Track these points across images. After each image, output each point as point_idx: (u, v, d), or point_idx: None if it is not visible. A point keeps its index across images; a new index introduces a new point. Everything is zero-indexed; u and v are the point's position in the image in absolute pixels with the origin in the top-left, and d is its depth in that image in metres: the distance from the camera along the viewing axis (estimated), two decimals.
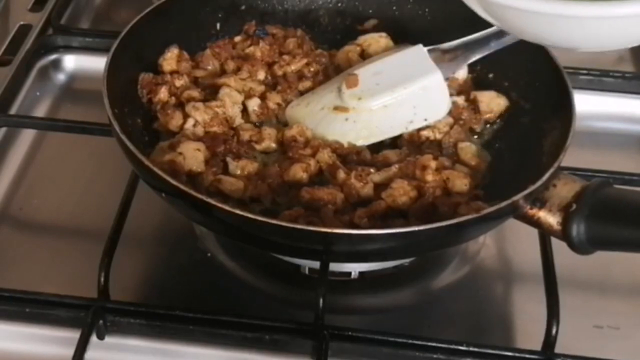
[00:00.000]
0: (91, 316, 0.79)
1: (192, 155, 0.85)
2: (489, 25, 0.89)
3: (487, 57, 0.91)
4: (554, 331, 0.77)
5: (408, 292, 0.88)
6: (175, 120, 0.90)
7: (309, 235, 0.75)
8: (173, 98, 0.93)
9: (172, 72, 0.94)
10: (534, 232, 0.84)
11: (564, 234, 0.77)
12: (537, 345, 0.79)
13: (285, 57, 0.99)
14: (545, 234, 0.82)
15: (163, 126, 0.90)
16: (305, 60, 0.98)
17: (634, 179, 0.93)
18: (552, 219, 0.78)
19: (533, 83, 0.91)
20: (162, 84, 0.93)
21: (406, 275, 0.88)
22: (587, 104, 1.06)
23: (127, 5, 1.26)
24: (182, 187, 0.76)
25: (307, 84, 0.96)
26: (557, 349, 0.78)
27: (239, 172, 0.85)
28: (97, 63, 0.99)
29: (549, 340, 0.77)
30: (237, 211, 0.74)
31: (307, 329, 0.79)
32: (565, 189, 0.78)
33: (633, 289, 0.89)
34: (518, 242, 0.91)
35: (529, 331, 0.82)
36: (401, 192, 0.81)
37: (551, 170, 0.77)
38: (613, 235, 0.76)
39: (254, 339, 0.80)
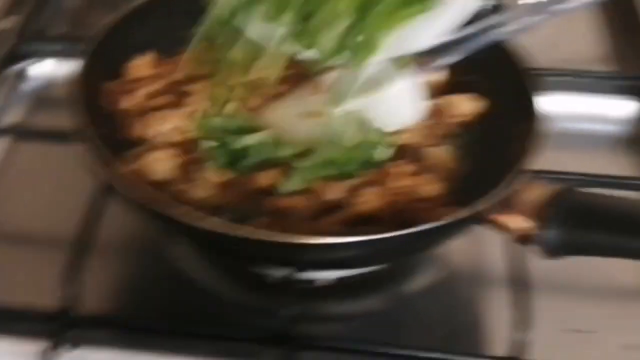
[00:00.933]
0: (58, 328, 0.78)
1: (159, 164, 0.84)
2: (462, 28, 0.89)
3: (459, 61, 0.90)
4: (523, 336, 0.76)
5: (379, 297, 0.88)
6: (143, 128, 0.89)
7: (275, 245, 0.74)
8: (141, 105, 0.92)
9: (141, 78, 0.94)
10: (504, 236, 0.83)
11: (533, 240, 0.76)
12: (508, 350, 0.78)
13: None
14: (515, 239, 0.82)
15: (130, 134, 0.89)
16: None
17: (607, 181, 0.93)
18: (521, 225, 0.77)
19: (504, 86, 0.90)
20: (131, 90, 0.92)
21: (377, 280, 0.88)
22: (560, 105, 1.06)
23: (103, 10, 1.25)
24: (149, 197, 0.75)
25: (283, 87, 0.95)
26: (529, 354, 0.77)
27: (206, 180, 0.84)
28: (66, 70, 0.98)
29: (519, 347, 0.76)
30: (202, 223, 0.73)
31: (277, 338, 0.78)
32: (535, 194, 0.77)
33: (603, 292, 0.88)
34: (489, 246, 0.90)
35: (500, 336, 0.81)
36: (371, 198, 0.80)
37: (519, 175, 0.77)
38: (583, 240, 0.75)
39: (224, 350, 0.79)
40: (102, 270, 0.88)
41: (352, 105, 0.87)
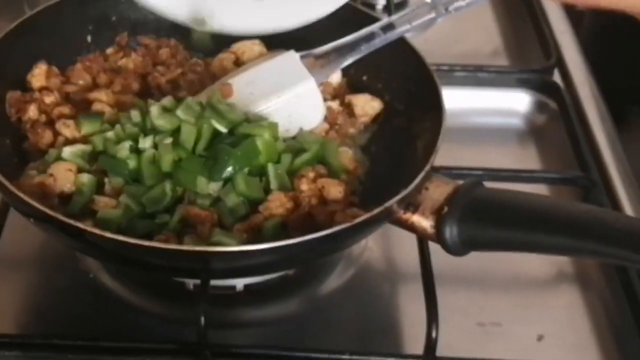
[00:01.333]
0: None
1: (63, 176, 0.82)
2: (360, 28, 0.90)
3: (360, 60, 0.91)
4: (434, 335, 0.77)
5: (294, 301, 0.88)
6: (45, 139, 0.87)
7: (185, 254, 0.74)
8: (43, 116, 0.90)
9: (41, 89, 0.92)
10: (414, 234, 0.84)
11: (438, 237, 0.77)
12: (422, 348, 0.79)
13: (159, 67, 0.97)
14: (420, 237, 0.83)
15: (33, 146, 0.88)
16: (179, 70, 0.97)
17: (510, 174, 0.95)
18: (425, 223, 0.78)
19: (405, 84, 0.91)
20: (31, 101, 0.90)
21: (291, 284, 0.88)
22: (463, 100, 1.08)
23: (1, 17, 1.22)
24: (48, 211, 0.74)
25: (182, 94, 0.94)
26: (441, 350, 0.78)
27: (112, 191, 0.83)
28: None
29: (430, 344, 0.77)
30: (108, 234, 0.72)
31: (189, 348, 0.78)
32: (437, 192, 0.79)
33: (512, 284, 0.90)
34: (400, 244, 0.91)
35: (414, 334, 0.82)
36: (277, 203, 0.80)
37: (422, 174, 0.78)
38: (485, 236, 0.76)
39: None
40: (10, 286, 0.86)
41: (261, 108, 0.88)
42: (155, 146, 0.84)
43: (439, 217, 0.77)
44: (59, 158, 0.84)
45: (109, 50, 0.98)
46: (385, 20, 0.89)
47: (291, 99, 0.89)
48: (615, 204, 0.95)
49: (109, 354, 0.78)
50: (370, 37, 0.89)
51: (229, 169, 0.82)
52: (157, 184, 0.82)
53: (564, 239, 0.72)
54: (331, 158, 0.86)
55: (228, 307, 0.86)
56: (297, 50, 0.92)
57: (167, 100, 0.88)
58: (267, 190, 0.83)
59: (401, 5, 1.20)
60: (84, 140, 0.87)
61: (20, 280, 0.87)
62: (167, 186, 0.81)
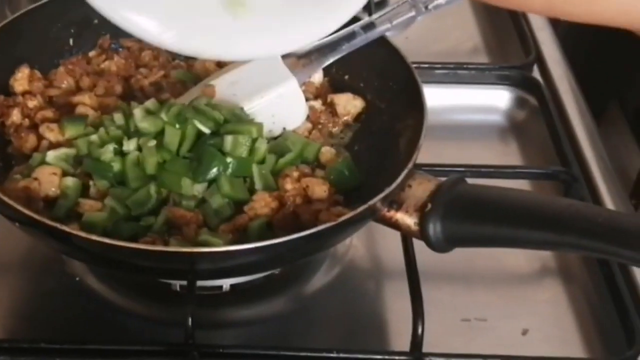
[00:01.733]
0: None
1: (48, 180, 0.83)
2: (341, 27, 0.90)
3: (341, 60, 0.91)
4: (419, 331, 0.77)
5: (280, 300, 0.88)
6: (29, 143, 0.88)
7: (171, 256, 0.74)
8: (27, 120, 0.90)
9: (24, 93, 0.92)
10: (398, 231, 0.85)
11: (422, 235, 0.78)
12: (409, 345, 0.79)
13: (142, 70, 0.97)
14: (405, 235, 0.83)
15: (17, 150, 0.88)
16: (162, 72, 0.97)
17: (491, 171, 0.96)
18: (409, 220, 0.79)
19: (387, 83, 0.92)
20: (14, 105, 0.90)
21: (278, 283, 0.88)
22: (444, 98, 1.08)
23: None
24: (33, 215, 0.74)
25: (165, 96, 0.94)
26: (427, 346, 0.79)
27: (97, 193, 0.83)
28: None
29: (416, 341, 0.78)
30: (94, 237, 0.73)
31: (176, 349, 0.78)
32: (420, 189, 0.79)
33: (496, 280, 0.90)
34: (385, 241, 0.92)
35: (400, 330, 0.82)
36: (262, 203, 0.81)
37: (405, 172, 0.78)
38: (468, 233, 0.77)
39: None
40: None
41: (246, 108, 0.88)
42: (140, 148, 0.84)
43: (423, 215, 0.78)
44: (43, 162, 0.84)
45: (92, 53, 0.99)
46: (365, 19, 0.90)
47: (274, 99, 0.89)
48: (597, 198, 0.96)
49: (96, 357, 0.78)
50: (351, 36, 0.89)
51: (214, 170, 0.82)
52: (142, 187, 0.82)
53: (546, 234, 0.73)
54: (314, 158, 0.87)
55: (215, 307, 0.86)
56: None
57: (150, 103, 0.88)
58: (252, 191, 0.83)
59: (381, 4, 1.20)
60: (68, 143, 0.87)
61: (6, 285, 0.87)
62: (152, 188, 0.82)
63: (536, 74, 1.13)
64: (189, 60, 0.99)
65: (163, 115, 0.85)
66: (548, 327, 0.86)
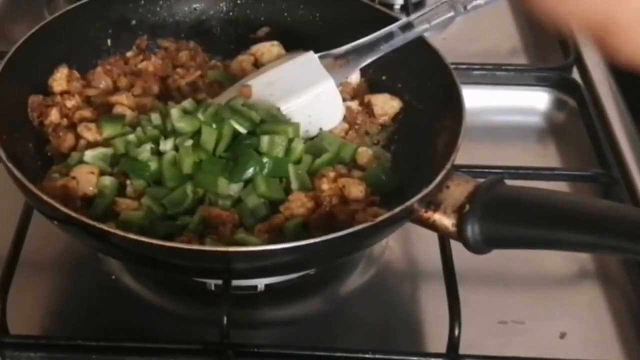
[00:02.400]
0: None
1: (86, 179, 0.83)
2: (378, 28, 0.90)
3: (378, 60, 0.91)
4: (456, 332, 0.77)
5: (315, 301, 0.88)
6: (67, 143, 0.88)
7: (207, 255, 0.74)
8: (65, 119, 0.91)
9: (62, 93, 0.93)
10: (435, 233, 0.84)
11: (459, 236, 0.77)
12: (445, 346, 0.79)
13: (179, 70, 0.98)
14: (442, 236, 0.83)
15: (56, 149, 0.89)
16: (199, 73, 0.97)
17: (530, 172, 0.95)
18: (446, 221, 0.78)
19: (424, 83, 0.91)
20: (53, 105, 0.91)
21: (313, 283, 0.88)
22: (482, 99, 1.08)
23: (22, 21, 1.23)
24: (72, 213, 0.74)
25: (201, 96, 0.95)
26: (463, 348, 0.78)
27: (134, 193, 0.84)
28: None
29: (453, 342, 0.77)
30: (131, 235, 0.73)
31: (212, 348, 0.78)
32: (458, 190, 0.79)
33: (534, 282, 0.90)
34: (421, 243, 0.91)
35: (436, 332, 0.82)
36: (298, 203, 0.81)
37: (443, 172, 0.78)
38: (506, 234, 0.76)
39: None
40: (35, 288, 0.87)
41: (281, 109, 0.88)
42: (176, 148, 0.84)
43: (461, 216, 0.77)
44: (81, 161, 0.85)
45: (129, 54, 0.99)
46: (404, 19, 0.90)
47: (311, 100, 0.89)
48: (636, 200, 0.95)
49: (132, 355, 0.78)
50: (389, 36, 0.89)
51: (250, 170, 0.82)
52: (179, 186, 0.82)
53: (585, 236, 0.72)
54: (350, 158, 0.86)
55: (250, 307, 0.86)
56: (316, 51, 0.92)
57: (187, 103, 0.88)
58: (288, 191, 0.83)
59: (419, 5, 1.20)
60: (106, 143, 0.87)
61: (43, 282, 0.88)
62: (189, 188, 0.82)
63: (575, 75, 1.12)
64: (225, 60, 1.00)
65: (200, 115, 0.85)
66: (586, 331, 0.85)
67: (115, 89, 0.95)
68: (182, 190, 0.82)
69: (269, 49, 0.98)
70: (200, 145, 0.84)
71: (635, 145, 1.02)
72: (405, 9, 1.18)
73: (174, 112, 0.87)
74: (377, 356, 0.78)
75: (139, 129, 0.87)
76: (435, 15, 0.88)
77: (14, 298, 0.80)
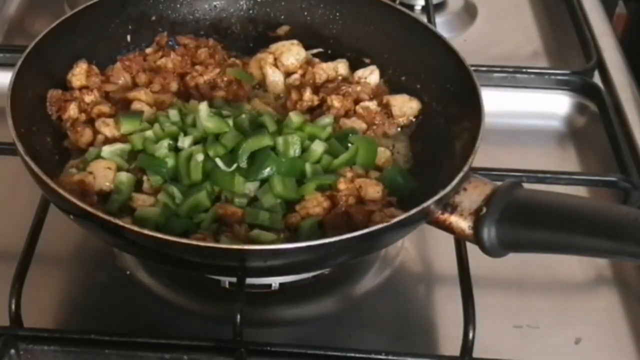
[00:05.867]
0: (2, 345, 0.77)
1: (103, 174, 0.83)
2: (399, 29, 0.89)
3: (398, 60, 0.91)
4: (470, 336, 0.77)
5: (329, 300, 0.88)
6: (85, 138, 0.88)
7: (221, 252, 0.74)
8: (83, 114, 0.91)
9: (81, 88, 0.93)
10: (451, 235, 0.83)
11: (476, 238, 0.77)
12: (458, 348, 0.78)
13: (198, 67, 0.98)
14: (458, 238, 0.82)
15: (73, 144, 0.89)
16: (217, 70, 0.97)
17: (549, 176, 0.94)
18: (463, 224, 0.78)
19: (444, 85, 0.91)
20: (72, 100, 0.91)
21: (327, 283, 0.88)
22: (502, 102, 1.07)
23: (42, 16, 1.23)
24: (88, 208, 0.74)
25: (220, 93, 0.95)
26: (478, 351, 0.78)
27: (151, 189, 0.84)
28: (3, 79, 0.96)
29: (467, 345, 0.77)
30: (147, 231, 0.73)
31: (224, 346, 0.78)
32: (475, 193, 0.78)
33: (550, 287, 0.89)
34: (437, 245, 0.91)
35: (450, 334, 0.82)
36: (314, 203, 0.80)
37: (460, 175, 0.77)
38: (523, 238, 0.75)
39: (175, 358, 0.78)
40: (49, 282, 0.87)
41: None
42: (196, 143, 0.84)
43: (477, 218, 0.76)
44: (98, 156, 0.85)
45: (149, 50, 0.99)
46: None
47: None
48: None
49: (145, 350, 0.78)
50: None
51: (266, 169, 0.82)
52: (195, 184, 0.82)
53: (603, 241, 0.72)
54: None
55: (263, 305, 0.86)
56: (335, 51, 0.92)
57: (219, 103, 0.89)
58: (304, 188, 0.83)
59: (440, 6, 1.20)
60: (123, 139, 0.87)
61: (58, 276, 0.89)
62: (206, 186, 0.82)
63: (597, 79, 1.11)
64: (244, 58, 1.00)
65: (230, 121, 0.85)
66: (602, 337, 0.85)
67: (134, 85, 0.96)
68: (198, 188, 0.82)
69: (289, 47, 0.97)
70: (221, 142, 0.84)
71: None
72: (426, 9, 1.18)
73: (203, 109, 0.86)
74: (390, 357, 0.78)
75: (156, 126, 0.87)
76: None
77: (29, 291, 0.81)
